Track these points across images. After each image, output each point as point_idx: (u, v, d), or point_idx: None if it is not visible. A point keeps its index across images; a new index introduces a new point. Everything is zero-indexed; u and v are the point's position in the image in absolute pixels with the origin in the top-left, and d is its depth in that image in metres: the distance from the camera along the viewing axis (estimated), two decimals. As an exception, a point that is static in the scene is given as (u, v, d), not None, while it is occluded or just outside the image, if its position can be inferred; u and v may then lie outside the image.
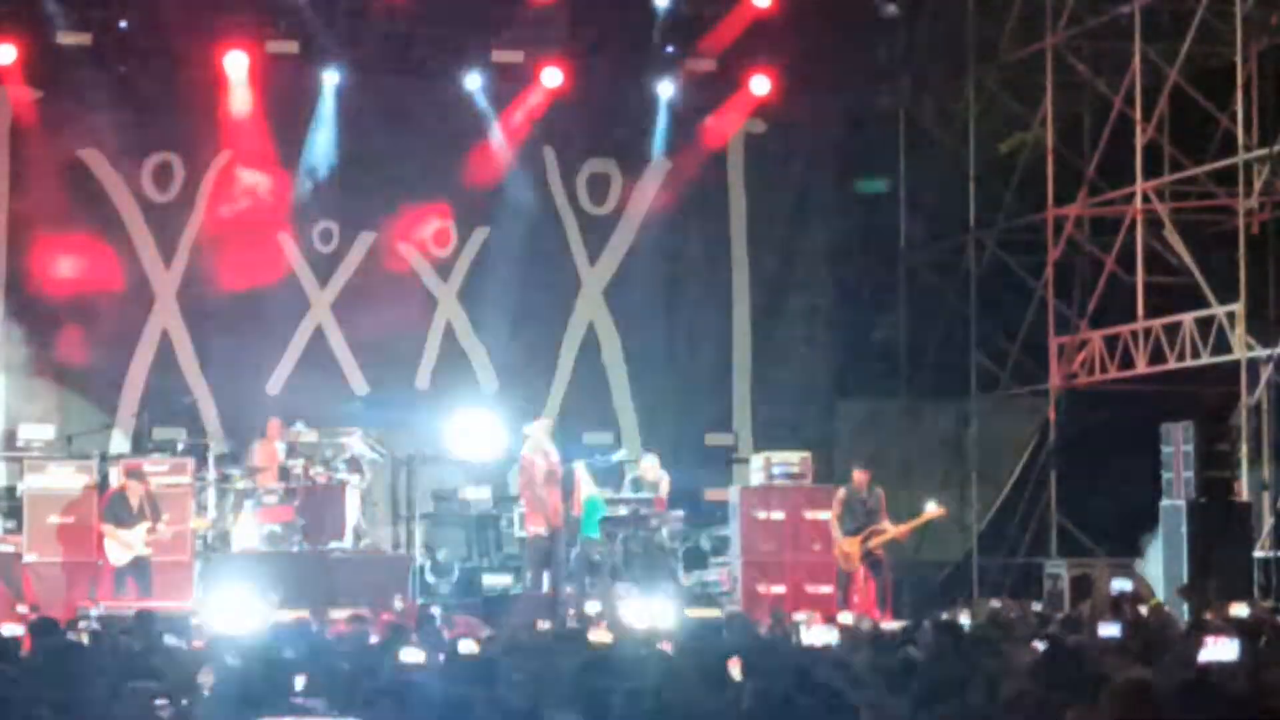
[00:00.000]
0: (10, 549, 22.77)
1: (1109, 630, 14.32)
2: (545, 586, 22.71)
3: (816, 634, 14.52)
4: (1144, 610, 17.22)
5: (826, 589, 23.25)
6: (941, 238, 27.85)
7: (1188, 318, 23.52)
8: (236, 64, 25.70)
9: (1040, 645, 12.51)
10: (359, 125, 26.37)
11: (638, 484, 23.83)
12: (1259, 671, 10.42)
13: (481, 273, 27.06)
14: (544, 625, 17.12)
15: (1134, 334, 24.39)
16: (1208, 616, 16.51)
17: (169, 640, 14.44)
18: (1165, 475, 22.77)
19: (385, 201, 26.62)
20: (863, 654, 12.20)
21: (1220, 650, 10.96)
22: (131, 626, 15.41)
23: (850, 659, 11.65)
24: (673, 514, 23.98)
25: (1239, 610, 17.23)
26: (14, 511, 23.56)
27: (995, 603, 21.55)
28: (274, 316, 26.46)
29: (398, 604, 21.16)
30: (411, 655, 11.64)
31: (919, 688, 10.19)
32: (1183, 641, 13.21)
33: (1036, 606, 20.76)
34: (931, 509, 23.61)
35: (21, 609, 20.21)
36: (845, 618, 20.28)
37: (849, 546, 22.94)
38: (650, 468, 23.91)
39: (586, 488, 23.68)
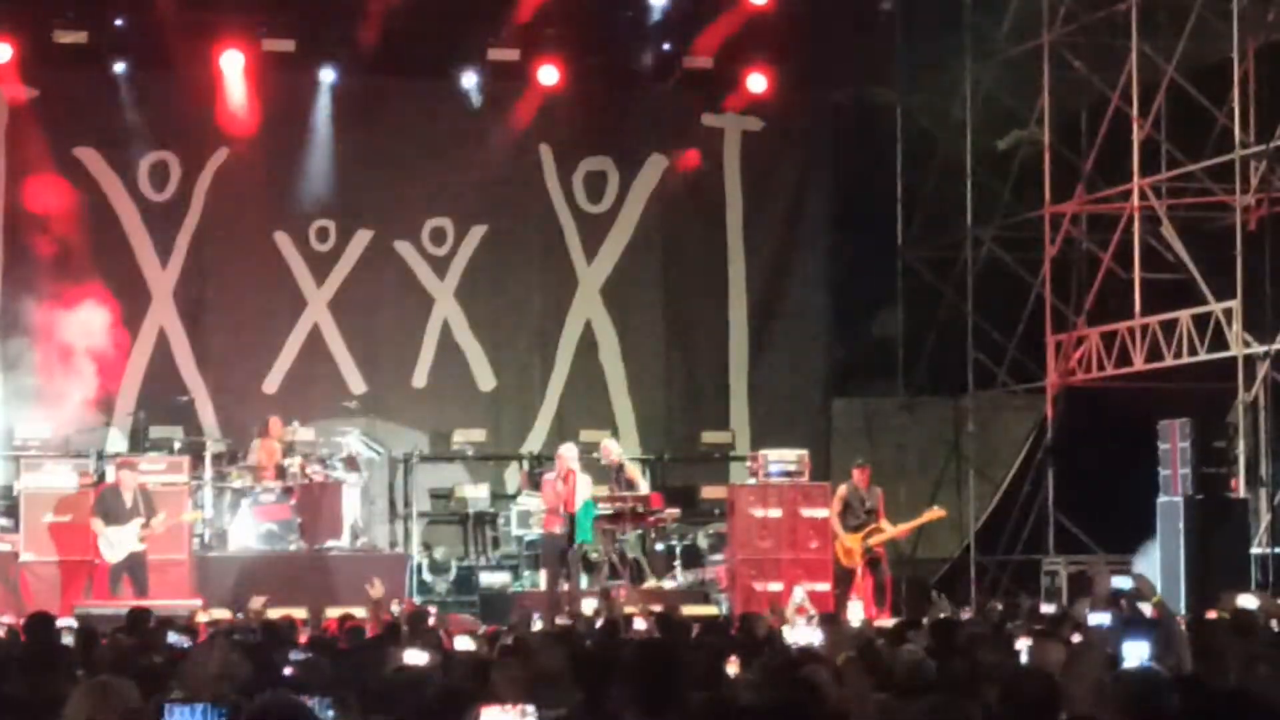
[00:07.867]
0: (7, 548, 22.76)
1: (1099, 619, 14.26)
2: (560, 585, 22.55)
3: (800, 633, 14.41)
4: (1147, 608, 17.14)
5: (823, 586, 23.24)
6: (938, 235, 27.80)
7: (1185, 314, 23.52)
8: (232, 62, 25.71)
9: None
10: (355, 123, 26.38)
11: (604, 472, 23.71)
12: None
13: (478, 271, 27.04)
14: (545, 623, 17.08)
15: (1131, 331, 24.39)
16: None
17: (171, 638, 14.35)
18: (1162, 472, 22.77)
19: (382, 199, 26.61)
20: (848, 653, 12.11)
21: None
22: (126, 624, 15.33)
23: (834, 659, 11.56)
24: (669, 511, 23.96)
25: (1246, 601, 17.17)
26: (10, 510, 23.53)
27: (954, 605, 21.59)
28: (271, 315, 26.46)
29: (395, 606, 21.05)
30: (415, 657, 11.55)
31: (916, 686, 10.15)
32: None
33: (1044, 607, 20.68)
34: (931, 510, 23.59)
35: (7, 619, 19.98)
36: (855, 611, 20.35)
37: (850, 543, 22.96)
38: (609, 453, 23.78)
39: (584, 487, 23.62)
